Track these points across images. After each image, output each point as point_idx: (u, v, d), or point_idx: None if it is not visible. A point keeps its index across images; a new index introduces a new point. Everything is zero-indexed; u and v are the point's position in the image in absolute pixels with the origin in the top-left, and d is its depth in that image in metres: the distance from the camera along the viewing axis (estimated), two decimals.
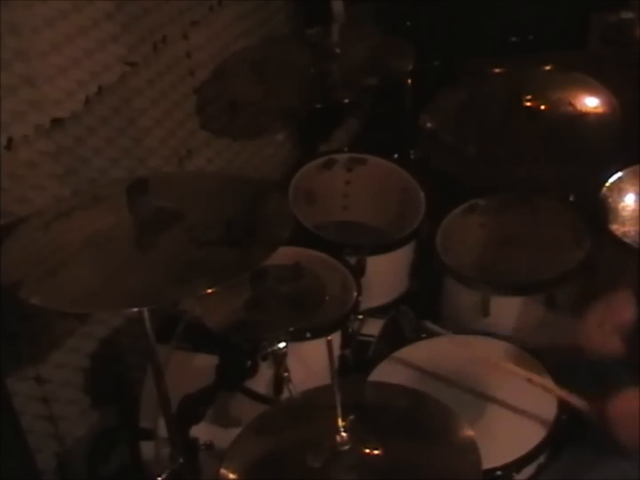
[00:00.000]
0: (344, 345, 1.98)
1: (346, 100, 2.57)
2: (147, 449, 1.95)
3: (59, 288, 1.47)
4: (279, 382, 1.83)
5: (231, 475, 1.46)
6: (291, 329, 1.83)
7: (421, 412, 1.55)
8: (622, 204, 2.11)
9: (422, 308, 2.30)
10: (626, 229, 2.03)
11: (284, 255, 1.80)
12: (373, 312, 2.19)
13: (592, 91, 2.31)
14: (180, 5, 2.41)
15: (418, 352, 1.95)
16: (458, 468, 1.42)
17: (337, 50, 2.54)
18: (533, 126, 2.27)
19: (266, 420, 1.61)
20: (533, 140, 2.25)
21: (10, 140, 1.85)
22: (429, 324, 2.15)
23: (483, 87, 2.45)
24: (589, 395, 1.59)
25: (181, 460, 1.67)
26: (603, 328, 1.66)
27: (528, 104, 2.29)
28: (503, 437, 1.68)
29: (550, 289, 2.09)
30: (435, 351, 1.94)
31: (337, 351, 1.94)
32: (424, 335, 2.01)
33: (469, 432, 1.47)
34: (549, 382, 1.70)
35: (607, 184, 2.15)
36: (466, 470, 1.41)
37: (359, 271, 2.14)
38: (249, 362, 1.84)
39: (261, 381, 1.87)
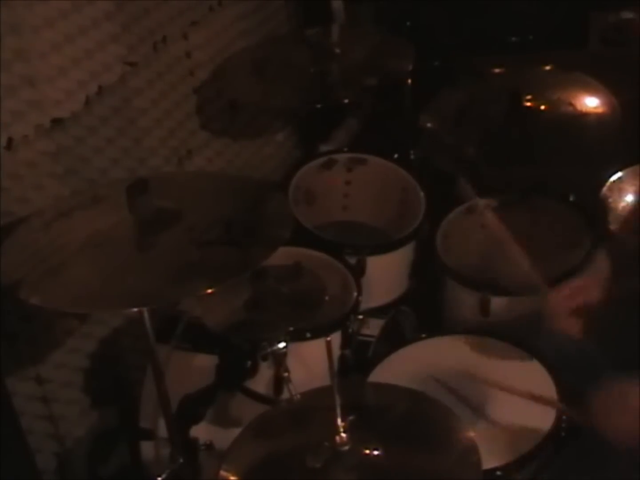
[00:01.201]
0: (344, 345, 1.98)
1: (346, 100, 2.57)
2: (147, 449, 1.95)
3: (59, 288, 1.47)
4: (279, 382, 1.83)
5: (231, 477, 1.46)
6: (291, 329, 1.84)
7: (421, 413, 1.55)
8: (622, 204, 2.11)
9: (422, 308, 2.30)
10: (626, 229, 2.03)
11: (284, 255, 1.80)
12: (373, 312, 2.18)
13: (592, 91, 2.31)
14: (180, 5, 2.41)
15: (418, 352, 1.95)
16: (458, 468, 1.42)
17: (337, 50, 2.53)
18: (533, 126, 2.27)
19: (266, 421, 1.61)
20: (533, 140, 2.25)
21: (10, 140, 1.85)
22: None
23: (483, 87, 2.45)
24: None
25: (181, 460, 1.68)
26: (565, 308, 1.68)
27: (528, 104, 2.29)
28: (503, 437, 1.68)
29: (550, 289, 2.09)
30: (435, 351, 1.93)
31: (337, 351, 1.94)
32: (423, 335, 2.01)
33: (469, 433, 1.47)
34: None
35: (607, 184, 2.15)
36: (466, 470, 1.41)
37: (359, 271, 2.14)
38: (249, 362, 1.83)
39: (261, 381, 1.87)
